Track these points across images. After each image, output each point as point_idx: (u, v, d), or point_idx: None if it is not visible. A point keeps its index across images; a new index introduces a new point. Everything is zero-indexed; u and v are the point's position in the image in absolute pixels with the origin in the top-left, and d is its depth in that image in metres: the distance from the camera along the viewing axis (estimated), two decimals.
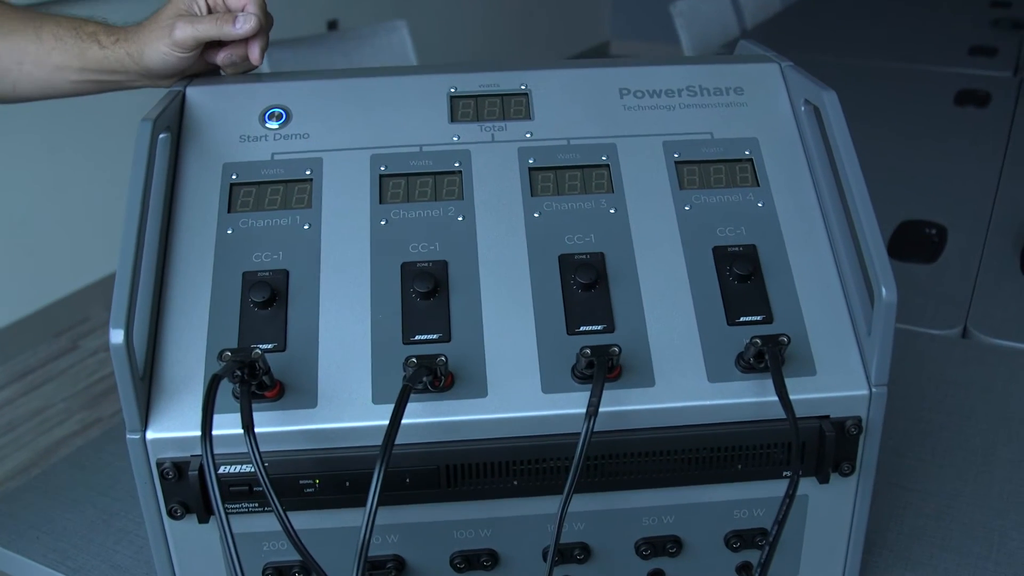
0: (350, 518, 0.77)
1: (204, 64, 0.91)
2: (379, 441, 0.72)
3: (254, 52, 0.90)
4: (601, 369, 0.71)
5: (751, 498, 0.79)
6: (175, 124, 0.86)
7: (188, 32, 0.87)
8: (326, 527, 0.78)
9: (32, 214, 3.00)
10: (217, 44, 0.90)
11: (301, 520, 0.77)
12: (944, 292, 1.39)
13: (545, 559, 0.80)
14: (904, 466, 1.02)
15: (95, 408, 2.81)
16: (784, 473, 0.77)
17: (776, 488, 0.79)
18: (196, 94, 0.88)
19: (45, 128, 2.96)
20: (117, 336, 0.69)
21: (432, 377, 0.72)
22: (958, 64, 2.54)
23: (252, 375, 0.71)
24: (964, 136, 2.03)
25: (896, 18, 3.11)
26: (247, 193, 0.83)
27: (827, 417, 0.76)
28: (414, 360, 0.72)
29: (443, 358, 0.72)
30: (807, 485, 0.79)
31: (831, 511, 0.80)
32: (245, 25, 0.88)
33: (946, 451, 1.05)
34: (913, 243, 1.54)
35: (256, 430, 0.71)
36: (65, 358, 3.00)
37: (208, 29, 0.87)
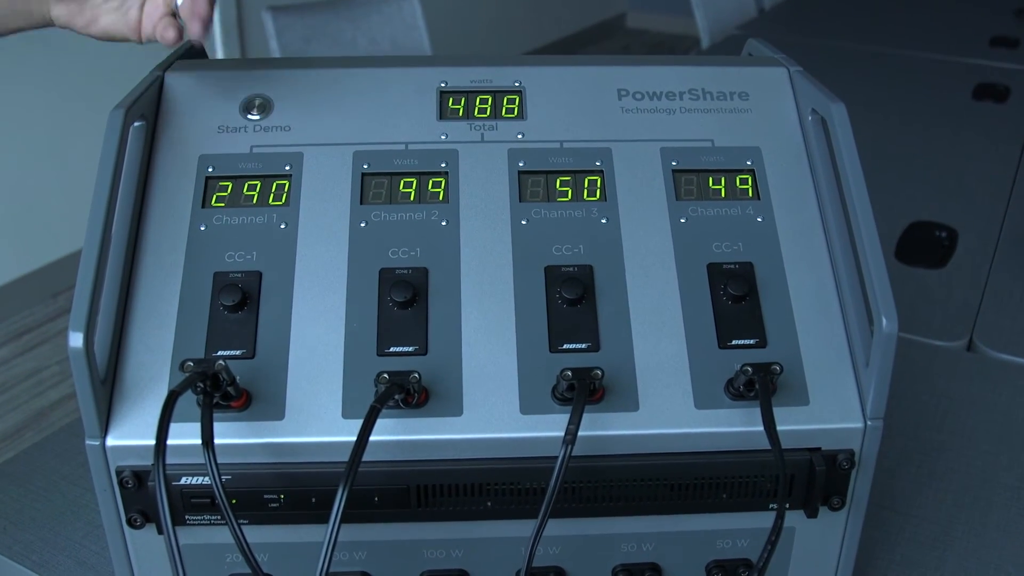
0: (316, 533, 0.74)
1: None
2: (347, 457, 0.69)
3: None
4: (582, 394, 0.68)
5: (736, 528, 0.76)
6: (151, 112, 0.82)
7: None
8: (292, 541, 0.75)
9: (31, 173, 2.97)
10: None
11: (266, 534, 0.74)
12: (951, 301, 1.35)
13: None
14: (899, 488, 0.99)
15: None
16: (771, 505, 0.74)
17: (762, 519, 0.75)
18: (175, 80, 0.84)
19: (45, 85, 2.92)
20: (76, 339, 0.66)
21: (405, 394, 0.69)
22: (978, 55, 2.48)
23: (215, 387, 0.67)
24: (980, 132, 1.98)
25: (917, 3, 3.04)
26: (223, 188, 0.80)
27: (818, 450, 0.73)
28: (386, 376, 0.68)
29: (416, 375, 0.68)
30: (794, 518, 0.75)
31: (818, 545, 0.77)
32: None
33: (944, 474, 1.01)
34: (922, 246, 1.50)
35: (219, 442, 0.68)
36: (62, 319, 2.98)
37: None
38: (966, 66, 2.40)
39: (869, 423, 0.72)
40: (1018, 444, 1.06)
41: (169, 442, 0.67)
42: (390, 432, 0.70)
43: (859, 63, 2.42)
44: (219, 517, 0.72)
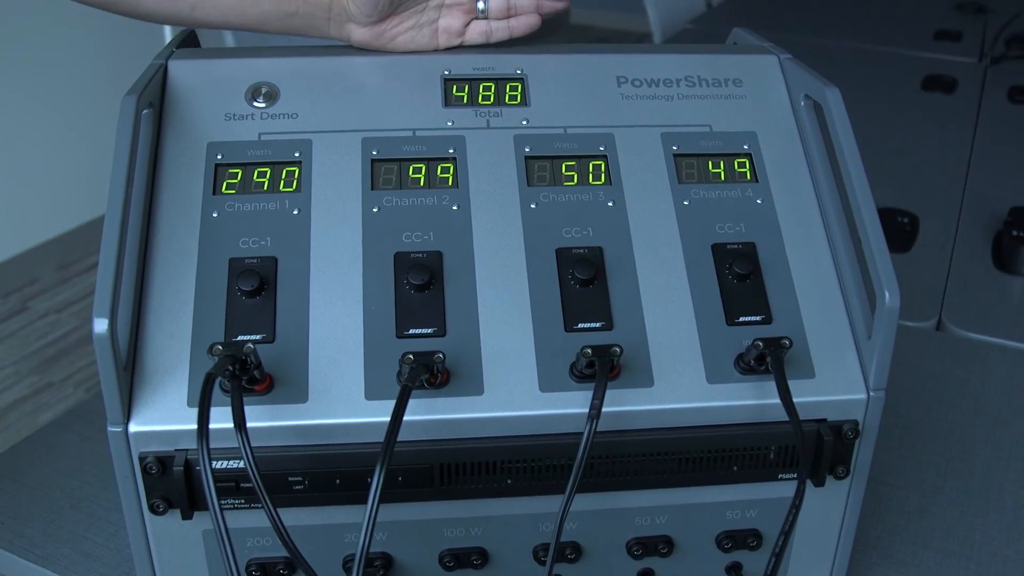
0: (335, 515, 0.75)
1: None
2: (372, 438, 0.71)
3: None
4: (603, 370, 0.70)
5: (744, 499, 0.79)
6: (157, 99, 0.82)
7: None
8: (310, 523, 0.76)
9: None
10: None
11: (286, 516, 0.74)
12: (918, 283, 1.39)
13: (535, 558, 0.79)
14: (884, 461, 1.02)
15: (45, 372, 2.75)
16: (780, 476, 0.76)
17: (770, 490, 0.78)
18: (179, 68, 0.85)
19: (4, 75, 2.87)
20: (101, 325, 0.66)
21: (428, 375, 0.70)
22: (924, 48, 2.55)
23: (243, 370, 0.68)
24: (933, 122, 2.04)
25: None
26: (233, 175, 0.80)
27: (824, 420, 0.75)
28: (411, 357, 0.69)
29: (441, 355, 0.70)
30: None
31: (823, 513, 0.80)
32: None
33: (925, 447, 1.05)
34: (886, 232, 1.53)
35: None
36: (14, 320, 2.92)
37: None
38: (913, 59, 2.46)
39: (872, 394, 0.75)
40: (993, 417, 1.10)
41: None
42: (413, 412, 0.71)
43: (807, 56, 2.46)
44: (242, 501, 0.73)
